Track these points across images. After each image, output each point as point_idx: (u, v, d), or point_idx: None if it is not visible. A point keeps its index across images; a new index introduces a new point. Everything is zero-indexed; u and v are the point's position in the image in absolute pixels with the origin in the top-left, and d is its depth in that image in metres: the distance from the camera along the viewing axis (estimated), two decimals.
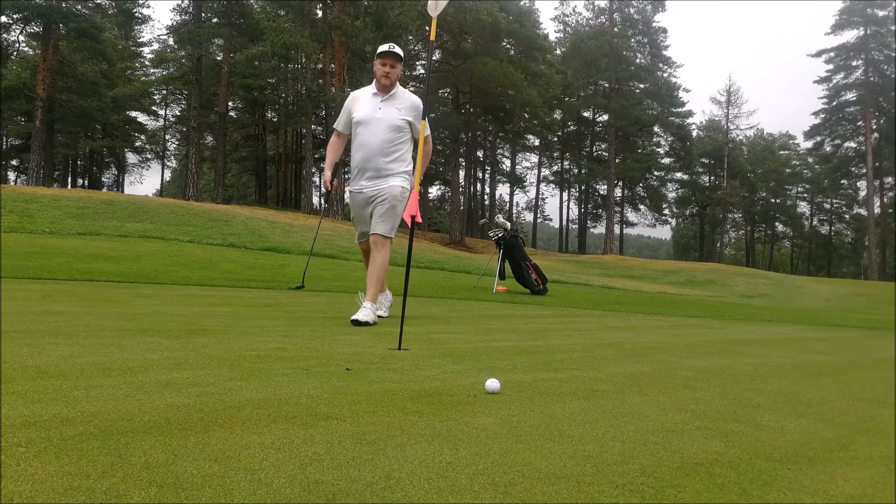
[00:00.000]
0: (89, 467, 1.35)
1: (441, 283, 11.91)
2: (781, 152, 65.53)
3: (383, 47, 4.54)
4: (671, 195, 60.83)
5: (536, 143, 53.68)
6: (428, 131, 4.46)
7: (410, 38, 36.05)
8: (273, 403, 2.00)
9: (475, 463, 1.57)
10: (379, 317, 4.64)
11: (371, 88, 4.65)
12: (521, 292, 10.66)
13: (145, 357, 2.62)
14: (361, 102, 4.65)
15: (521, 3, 43.22)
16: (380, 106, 4.55)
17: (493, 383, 2.41)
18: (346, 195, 4.88)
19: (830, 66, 53.73)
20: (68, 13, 33.04)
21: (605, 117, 51.72)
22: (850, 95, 53.62)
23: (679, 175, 60.09)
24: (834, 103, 54.31)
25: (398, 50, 4.55)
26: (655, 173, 55.64)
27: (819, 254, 65.85)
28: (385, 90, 4.57)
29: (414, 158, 4.69)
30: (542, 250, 50.33)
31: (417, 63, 42.82)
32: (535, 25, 44.78)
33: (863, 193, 56.20)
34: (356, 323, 4.23)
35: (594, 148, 56.06)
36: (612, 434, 1.95)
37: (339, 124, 4.81)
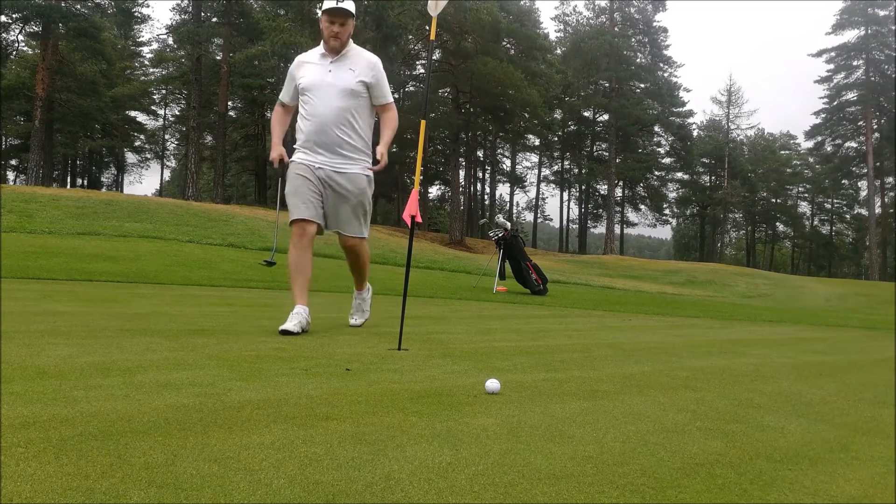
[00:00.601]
0: (89, 468, 1.35)
1: (441, 283, 11.91)
2: (782, 152, 65.52)
3: (328, 2, 3.77)
4: (672, 195, 60.86)
5: (536, 142, 53.69)
6: (391, 98, 3.99)
7: (410, 37, 36.06)
8: (273, 404, 1.99)
9: (475, 463, 1.57)
10: (353, 325, 4.24)
11: (319, 49, 3.93)
12: (521, 292, 10.66)
13: (145, 357, 2.62)
14: (308, 66, 3.92)
15: (522, 2, 43.23)
16: (330, 69, 3.83)
17: (493, 384, 2.40)
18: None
19: (831, 66, 53.74)
20: (67, 13, 33.03)
21: (606, 117, 51.72)
22: (851, 95, 53.62)
23: (679, 175, 60.09)
24: (835, 103, 54.30)
25: (348, 4, 3.80)
26: (656, 173, 55.63)
27: (820, 254, 65.82)
28: (335, 52, 3.86)
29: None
30: (543, 250, 50.32)
31: (417, 63, 42.84)
32: (536, 25, 44.80)
33: (863, 193, 56.23)
34: (355, 325, 4.18)
35: (594, 148, 56.05)
36: (613, 434, 1.95)
37: (283, 94, 4.06)
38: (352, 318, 4.30)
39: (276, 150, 3.95)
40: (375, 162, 3.91)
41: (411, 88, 48.46)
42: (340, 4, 3.77)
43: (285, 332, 3.53)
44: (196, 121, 37.04)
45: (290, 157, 3.96)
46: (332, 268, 12.42)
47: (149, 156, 57.23)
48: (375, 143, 4.05)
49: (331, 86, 3.81)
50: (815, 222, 66.74)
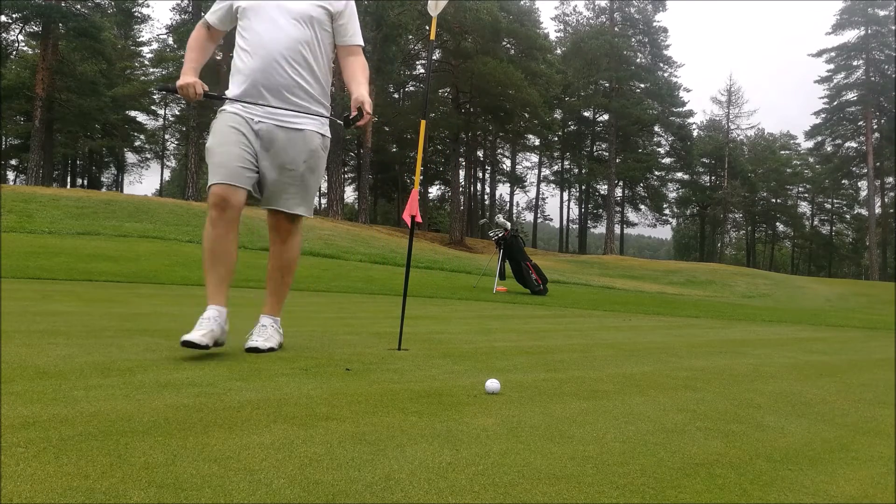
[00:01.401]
0: (89, 467, 1.35)
1: (441, 283, 11.91)
2: (782, 152, 65.58)
3: None
4: (672, 195, 60.94)
5: (537, 142, 53.74)
6: (360, 41, 3.05)
7: (410, 37, 36.06)
8: (273, 404, 1.99)
9: (475, 463, 1.57)
10: (269, 349, 2.93)
11: None
12: (521, 292, 10.66)
13: (145, 357, 2.62)
14: None
15: (522, 2, 43.25)
16: None
17: (493, 384, 2.40)
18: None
19: (831, 66, 53.79)
20: (67, 13, 33.08)
21: (606, 117, 51.78)
22: (851, 95, 53.69)
23: (680, 175, 60.17)
24: (835, 103, 54.36)
25: None
26: (656, 173, 55.70)
27: (820, 254, 65.86)
28: None
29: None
30: (543, 250, 50.33)
31: (417, 63, 42.86)
32: (536, 25, 44.82)
33: (864, 193, 56.28)
34: (254, 350, 2.87)
35: (594, 148, 56.09)
36: (613, 434, 1.94)
37: (211, 14, 3.02)
38: (252, 340, 2.95)
39: (186, 77, 2.86)
40: (344, 113, 2.91)
41: (411, 88, 48.52)
42: None
43: (189, 345, 2.57)
44: (196, 120, 37.05)
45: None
46: (332, 268, 12.43)
47: (149, 156, 57.28)
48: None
49: (282, 8, 2.86)
50: (815, 222, 66.80)
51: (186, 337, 2.58)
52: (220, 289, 2.84)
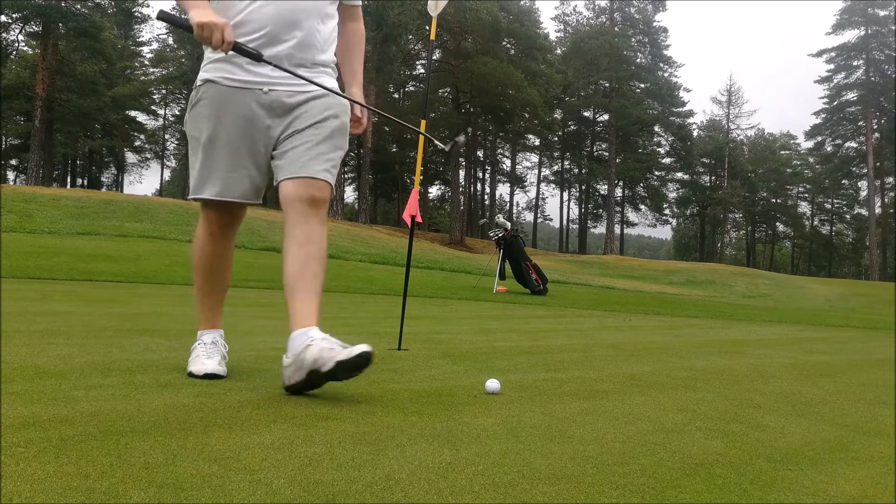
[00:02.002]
0: (88, 467, 1.35)
1: (441, 283, 11.92)
2: (782, 152, 65.58)
3: None
4: (672, 195, 60.94)
5: (537, 142, 53.75)
6: (358, 1, 2.48)
7: (410, 37, 36.07)
8: (273, 403, 1.99)
9: (475, 463, 1.57)
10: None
11: None
12: (521, 292, 10.67)
13: (144, 357, 2.62)
14: None
15: (522, 2, 43.28)
16: None
17: (493, 384, 2.40)
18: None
19: (831, 66, 53.80)
20: (67, 12, 33.09)
21: (606, 117, 51.80)
22: (851, 95, 53.70)
23: (680, 175, 60.17)
24: (835, 103, 54.38)
25: None
26: (656, 173, 55.71)
27: (820, 254, 65.85)
28: None
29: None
30: (543, 250, 50.33)
31: (417, 63, 42.88)
32: (536, 25, 44.85)
33: (864, 193, 56.29)
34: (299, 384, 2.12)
35: (594, 148, 56.10)
36: (613, 434, 1.95)
37: None
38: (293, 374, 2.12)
39: (205, 13, 1.99)
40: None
41: (411, 88, 48.55)
42: None
43: (210, 377, 2.22)
44: None
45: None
46: (332, 268, 12.43)
47: (149, 156, 57.28)
48: None
49: None
50: (815, 222, 66.79)
51: (206, 369, 2.23)
52: (217, 312, 2.42)
